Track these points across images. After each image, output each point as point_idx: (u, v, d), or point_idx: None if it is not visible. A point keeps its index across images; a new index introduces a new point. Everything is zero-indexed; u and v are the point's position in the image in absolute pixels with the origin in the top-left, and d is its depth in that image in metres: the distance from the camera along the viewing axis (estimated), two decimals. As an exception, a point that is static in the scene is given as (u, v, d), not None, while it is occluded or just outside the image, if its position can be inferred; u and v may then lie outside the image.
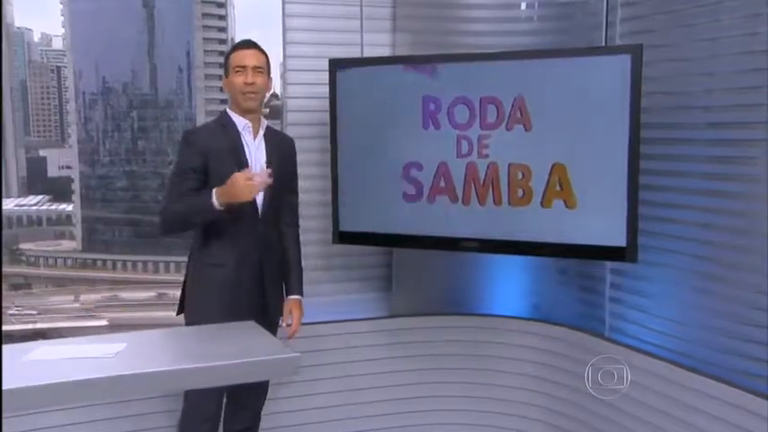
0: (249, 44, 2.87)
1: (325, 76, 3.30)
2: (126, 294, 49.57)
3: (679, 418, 2.85)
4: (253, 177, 2.56)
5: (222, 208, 2.61)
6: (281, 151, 2.95)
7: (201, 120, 50.24)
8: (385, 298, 3.68)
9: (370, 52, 3.49)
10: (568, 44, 3.26)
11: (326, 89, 3.30)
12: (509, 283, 3.63)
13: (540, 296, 3.59)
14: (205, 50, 54.12)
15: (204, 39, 54.21)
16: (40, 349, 2.08)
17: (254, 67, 2.81)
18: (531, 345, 3.52)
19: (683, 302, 2.91)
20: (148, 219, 51.59)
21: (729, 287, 2.71)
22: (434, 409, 3.66)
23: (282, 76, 3.50)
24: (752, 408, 2.56)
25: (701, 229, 2.81)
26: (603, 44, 3.07)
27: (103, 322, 44.00)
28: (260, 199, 2.81)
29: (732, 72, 2.69)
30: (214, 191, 2.61)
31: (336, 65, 3.27)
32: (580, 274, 3.43)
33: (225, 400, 2.93)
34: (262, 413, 3.08)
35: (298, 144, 3.10)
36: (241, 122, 2.84)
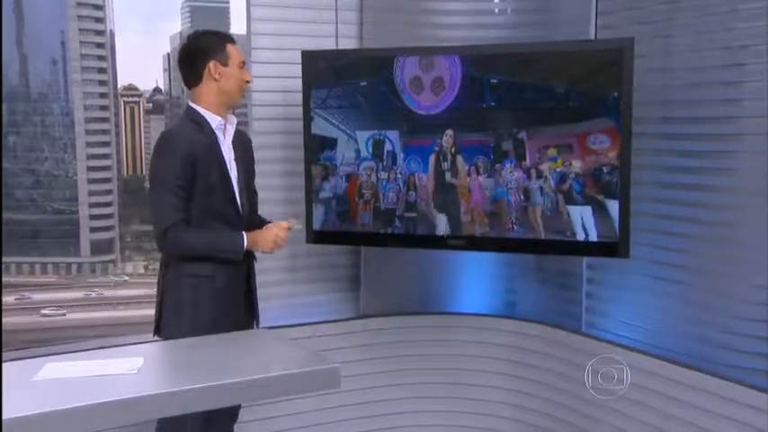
0: None
1: (292, 69, 3.16)
2: (-6, 298, 46.61)
3: (662, 411, 2.87)
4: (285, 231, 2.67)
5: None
6: (244, 150, 2.80)
7: (80, 116, 47.91)
8: (353, 298, 3.56)
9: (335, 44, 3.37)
10: (543, 38, 3.24)
11: (293, 82, 3.16)
12: (481, 281, 3.58)
13: (513, 293, 3.57)
14: (81, 41, 51.49)
15: (80, 29, 51.58)
16: (49, 367, 1.84)
17: None
18: (505, 342, 3.48)
19: (660, 296, 2.94)
20: (23, 218, 48.83)
21: (708, 279, 2.76)
22: (407, 411, 3.57)
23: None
24: (742, 399, 2.60)
25: (678, 222, 2.85)
26: (593, 37, 3.06)
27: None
28: (240, 201, 2.68)
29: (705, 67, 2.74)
30: (245, 236, 2.58)
31: (309, 57, 3.13)
32: (555, 270, 3.41)
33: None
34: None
35: (264, 140, 2.98)
36: (215, 120, 2.65)
